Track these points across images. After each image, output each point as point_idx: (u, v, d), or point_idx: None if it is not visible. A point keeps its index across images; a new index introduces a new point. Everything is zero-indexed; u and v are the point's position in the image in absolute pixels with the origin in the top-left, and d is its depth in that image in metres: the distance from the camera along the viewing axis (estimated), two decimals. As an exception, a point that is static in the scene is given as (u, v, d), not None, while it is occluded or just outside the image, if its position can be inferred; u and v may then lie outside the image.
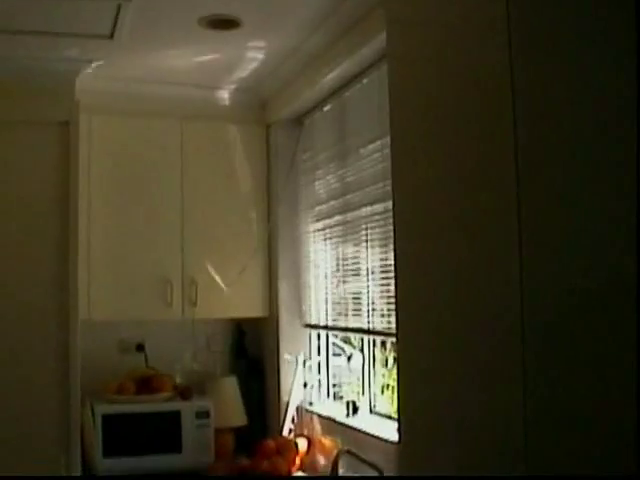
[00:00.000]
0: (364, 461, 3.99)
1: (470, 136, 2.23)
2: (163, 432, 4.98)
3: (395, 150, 2.73)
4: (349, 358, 5.38)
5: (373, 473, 3.97)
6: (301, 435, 5.17)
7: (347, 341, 5.86)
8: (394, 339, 4.20)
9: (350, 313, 4.74)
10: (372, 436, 4.25)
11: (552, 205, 1.89)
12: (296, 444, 5.05)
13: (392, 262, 4.07)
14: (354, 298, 4.69)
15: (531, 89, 1.95)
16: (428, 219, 2.49)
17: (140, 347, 5.49)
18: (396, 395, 2.82)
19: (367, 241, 4.49)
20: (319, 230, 5.19)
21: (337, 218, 4.90)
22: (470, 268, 2.20)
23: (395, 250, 2.75)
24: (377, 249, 4.39)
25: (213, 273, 5.32)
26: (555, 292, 1.86)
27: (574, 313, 1.81)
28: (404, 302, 2.64)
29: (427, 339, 2.47)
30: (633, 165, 1.68)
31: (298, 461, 5.00)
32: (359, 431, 4.44)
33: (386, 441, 4.06)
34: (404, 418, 2.63)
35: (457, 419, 2.26)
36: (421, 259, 2.53)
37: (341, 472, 4.25)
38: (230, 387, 5.45)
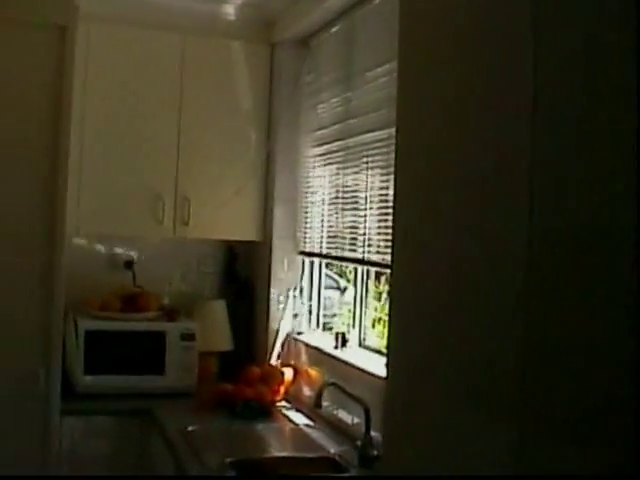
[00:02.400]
0: (349, 395, 3.89)
1: (484, 63, 2.08)
2: (147, 352, 4.91)
3: (402, 73, 2.58)
4: (343, 291, 5.28)
5: (358, 407, 3.87)
6: (287, 364, 5.10)
7: (341, 274, 5.77)
8: (389, 272, 4.13)
9: (346, 243, 4.62)
10: (360, 370, 4.16)
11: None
12: (282, 373, 4.97)
13: (392, 192, 4.02)
14: (351, 227, 4.57)
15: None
16: (433, 148, 2.34)
17: (128, 264, 5.40)
18: (387, 330, 2.71)
19: (367, 169, 4.36)
20: (319, 155, 5.05)
21: (338, 143, 4.75)
22: (476, 200, 2.06)
23: (396, 178, 2.60)
24: (377, 177, 4.26)
25: (204, 195, 5.18)
26: (562, 229, 1.72)
27: (579, 252, 1.68)
28: (401, 233, 2.51)
29: (423, 273, 2.34)
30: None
31: (283, 390, 4.92)
32: (347, 364, 4.35)
33: (374, 376, 3.96)
34: (393, 353, 2.51)
35: (450, 356, 2.14)
36: (423, 188, 2.38)
37: (325, 404, 4.16)
38: (218, 310, 5.37)
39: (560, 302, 1.73)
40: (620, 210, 1.57)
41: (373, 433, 3.73)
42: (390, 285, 2.55)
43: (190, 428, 4.19)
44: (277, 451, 4.16)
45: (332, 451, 3.95)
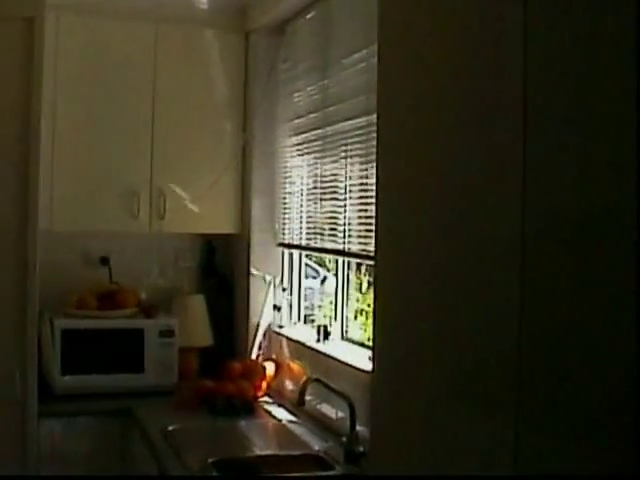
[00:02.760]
0: (333, 390, 3.80)
1: (470, 47, 1.98)
2: (125, 350, 4.80)
3: (383, 58, 2.48)
4: (323, 281, 5.19)
5: (342, 402, 3.78)
6: (269, 359, 5.01)
7: (321, 264, 5.67)
8: (370, 262, 4.04)
9: (326, 234, 4.53)
10: (343, 363, 4.07)
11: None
12: (263, 368, 4.88)
13: (372, 181, 3.95)
14: (330, 218, 4.48)
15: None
16: (417, 136, 2.24)
17: (104, 260, 5.28)
18: (370, 321, 2.61)
19: (346, 157, 4.27)
20: (296, 145, 4.95)
21: (316, 132, 4.64)
22: (466, 189, 1.96)
23: (377, 166, 2.50)
24: (357, 166, 4.16)
25: (179, 190, 5.08)
26: (556, 206, 1.63)
27: (575, 243, 1.59)
28: (384, 222, 2.41)
29: (409, 264, 2.24)
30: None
31: (265, 385, 4.83)
32: (330, 357, 4.26)
33: (358, 369, 3.88)
34: (379, 347, 2.42)
35: (441, 350, 2.05)
36: (407, 178, 2.29)
37: (308, 399, 4.07)
38: (197, 306, 5.26)
39: (556, 295, 1.64)
40: (618, 204, 1.48)
41: (359, 428, 3.63)
42: (374, 277, 2.46)
43: (171, 427, 4.08)
44: (260, 449, 4.07)
45: (317, 448, 3.86)
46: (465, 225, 1.96)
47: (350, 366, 3.98)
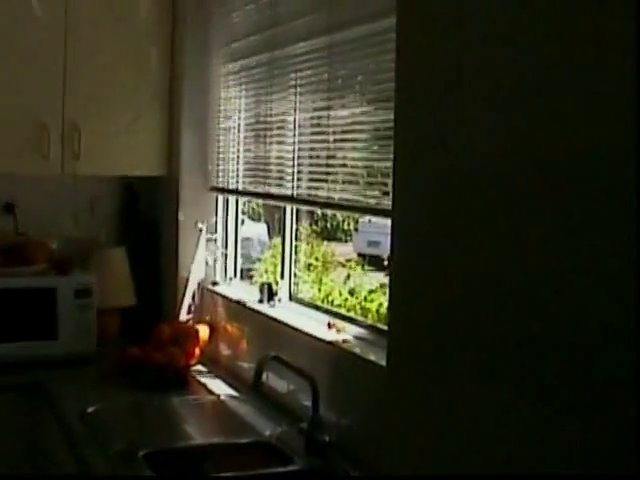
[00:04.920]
0: (293, 368, 3.16)
1: None
2: (35, 313, 4.18)
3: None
4: (269, 231, 4.58)
5: (300, 380, 3.16)
6: (202, 321, 4.40)
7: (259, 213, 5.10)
8: (322, 210, 3.48)
9: (272, 177, 3.93)
10: (297, 330, 3.47)
11: None
12: (196, 331, 4.26)
13: (326, 115, 3.35)
14: (277, 159, 3.89)
15: None
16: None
17: (9, 208, 4.62)
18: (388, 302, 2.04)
19: (296, 87, 3.66)
20: (233, 73, 4.30)
21: (258, 57, 4.01)
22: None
23: (397, 104, 1.91)
24: (309, 97, 3.57)
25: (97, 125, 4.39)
26: None
27: None
28: (405, 170, 1.81)
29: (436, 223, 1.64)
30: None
31: (198, 352, 4.21)
32: (279, 322, 3.67)
33: (316, 339, 3.30)
34: (396, 332, 1.94)
35: (487, 337, 1.62)
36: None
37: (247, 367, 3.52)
38: (118, 260, 4.63)
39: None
40: None
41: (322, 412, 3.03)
42: (391, 245, 1.86)
43: (91, 409, 3.43)
44: (198, 434, 3.41)
45: (267, 433, 3.25)
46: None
47: (306, 334, 3.38)
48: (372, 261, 11.36)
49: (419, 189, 1.81)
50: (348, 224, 11.04)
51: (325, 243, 6.68)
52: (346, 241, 11.75)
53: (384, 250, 10.28)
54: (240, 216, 4.63)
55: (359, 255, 11.94)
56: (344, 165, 3.37)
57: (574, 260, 1.41)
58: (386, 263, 10.73)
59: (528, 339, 1.53)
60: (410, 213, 1.84)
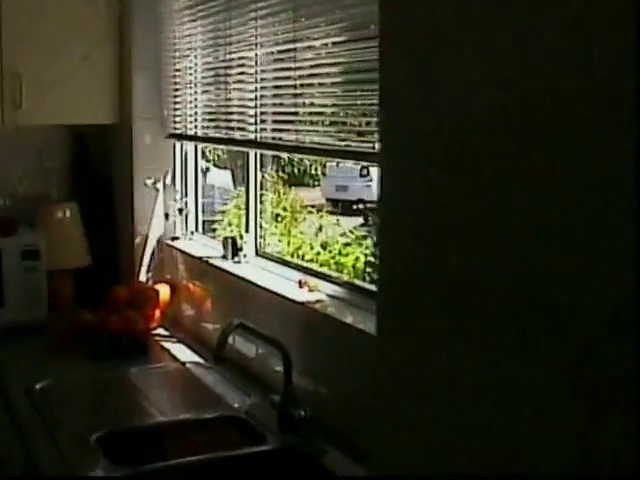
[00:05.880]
0: (262, 336, 2.82)
1: None
2: (-23, 278, 3.81)
3: None
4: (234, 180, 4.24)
5: (268, 347, 2.83)
6: (162, 280, 4.07)
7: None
8: (288, 155, 3.16)
9: (233, 120, 3.60)
10: (265, 290, 3.14)
11: None
12: (156, 292, 3.94)
13: (292, 49, 3.01)
14: (238, 100, 3.54)
15: None
16: None
17: (-54, 163, 4.21)
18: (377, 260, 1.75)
19: (257, 19, 3.29)
20: (189, 7, 3.91)
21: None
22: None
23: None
24: (271, 29, 3.22)
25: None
26: None
27: None
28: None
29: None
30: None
31: (158, 314, 3.89)
32: (241, 279, 3.35)
33: (286, 299, 2.97)
34: (386, 292, 1.66)
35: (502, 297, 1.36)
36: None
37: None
38: (69, 216, 4.26)
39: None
40: None
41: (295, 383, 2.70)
42: (379, 195, 1.55)
43: (39, 385, 3.08)
44: (160, 409, 3.03)
45: (236, 405, 2.93)
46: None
47: (275, 294, 3.05)
48: (341, 205, 11.12)
49: (412, 132, 1.51)
50: (315, 169, 10.78)
51: (292, 190, 6.41)
52: (314, 186, 11.48)
53: (352, 194, 9.99)
54: (203, 164, 4.29)
55: (328, 200, 11.70)
56: (312, 104, 3.04)
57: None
58: (355, 207, 10.55)
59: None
60: (402, 158, 1.52)
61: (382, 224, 1.65)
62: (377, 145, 2.22)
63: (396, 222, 1.58)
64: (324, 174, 11.73)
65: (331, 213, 8.17)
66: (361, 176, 11.42)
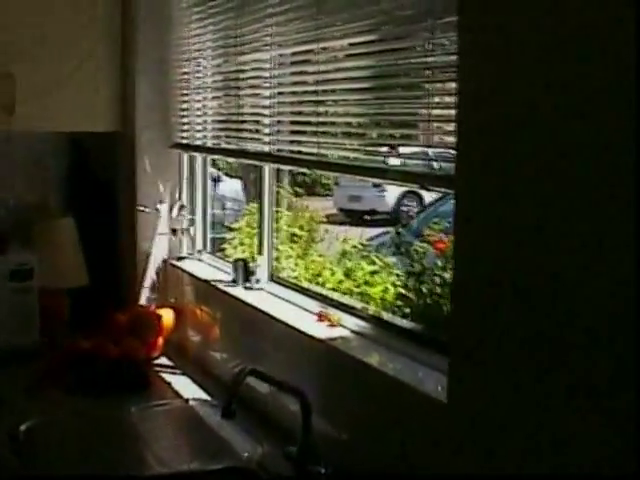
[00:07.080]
0: (276, 384, 2.50)
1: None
2: (-39, 301, 3.58)
3: None
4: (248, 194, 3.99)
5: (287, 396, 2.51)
6: (166, 304, 3.81)
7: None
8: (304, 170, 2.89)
9: (246, 130, 3.37)
10: (281, 322, 2.84)
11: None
12: (158, 317, 3.69)
13: (312, 51, 2.74)
14: (251, 107, 3.31)
15: None
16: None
17: None
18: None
19: (272, 16, 3.02)
20: (197, 4, 3.69)
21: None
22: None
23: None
24: (291, 27, 2.93)
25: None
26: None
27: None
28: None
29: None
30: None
31: (161, 342, 3.62)
32: (254, 308, 3.06)
33: (306, 335, 2.66)
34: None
35: None
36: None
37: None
38: (65, 232, 4.04)
39: None
40: None
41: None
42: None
43: (24, 426, 2.77)
44: (160, 458, 2.74)
45: (246, 455, 2.62)
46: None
47: (292, 328, 2.74)
48: (352, 216, 10.92)
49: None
50: (328, 178, 10.62)
51: (308, 204, 6.18)
52: (325, 196, 11.30)
53: (366, 204, 9.74)
54: (213, 174, 4.04)
55: (340, 210, 11.51)
56: (336, 113, 2.78)
57: None
58: (368, 218, 10.32)
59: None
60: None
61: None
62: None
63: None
64: (337, 183, 11.53)
65: (342, 224, 7.97)
66: (374, 186, 11.21)
